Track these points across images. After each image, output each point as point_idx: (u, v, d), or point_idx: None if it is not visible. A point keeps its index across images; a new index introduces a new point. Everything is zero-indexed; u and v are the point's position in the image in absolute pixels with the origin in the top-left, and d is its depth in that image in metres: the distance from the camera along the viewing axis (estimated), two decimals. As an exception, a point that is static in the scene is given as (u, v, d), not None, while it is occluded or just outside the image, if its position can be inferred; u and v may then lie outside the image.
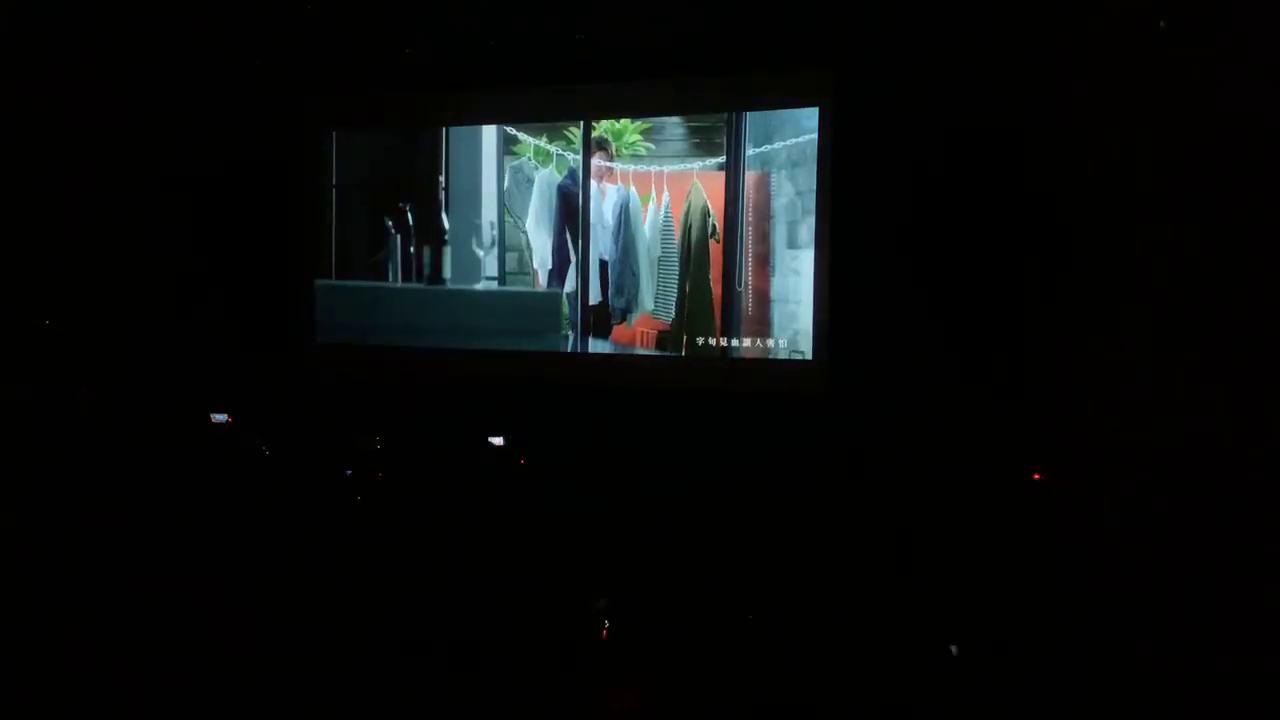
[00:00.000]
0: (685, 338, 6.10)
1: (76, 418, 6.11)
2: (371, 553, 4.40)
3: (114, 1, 5.98)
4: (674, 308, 6.12)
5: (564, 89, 6.34)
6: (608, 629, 3.52)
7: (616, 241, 6.24)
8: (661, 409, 6.01)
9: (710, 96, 6.02)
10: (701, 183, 6.03)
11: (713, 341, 6.04)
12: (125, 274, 6.58)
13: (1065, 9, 4.82)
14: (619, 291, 6.24)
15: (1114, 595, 3.67)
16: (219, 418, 6.13)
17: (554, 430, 6.01)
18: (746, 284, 5.95)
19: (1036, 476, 4.87)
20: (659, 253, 6.15)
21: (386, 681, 3.22)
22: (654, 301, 6.17)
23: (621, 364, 6.31)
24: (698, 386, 6.03)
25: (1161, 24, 4.02)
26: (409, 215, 6.72)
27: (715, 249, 6.02)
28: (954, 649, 3.35)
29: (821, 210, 5.70)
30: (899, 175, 5.43)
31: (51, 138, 6.29)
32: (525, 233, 6.47)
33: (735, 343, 5.98)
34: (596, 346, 6.34)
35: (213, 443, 6.00)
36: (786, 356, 5.86)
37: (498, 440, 5.99)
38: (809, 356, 5.80)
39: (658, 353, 6.18)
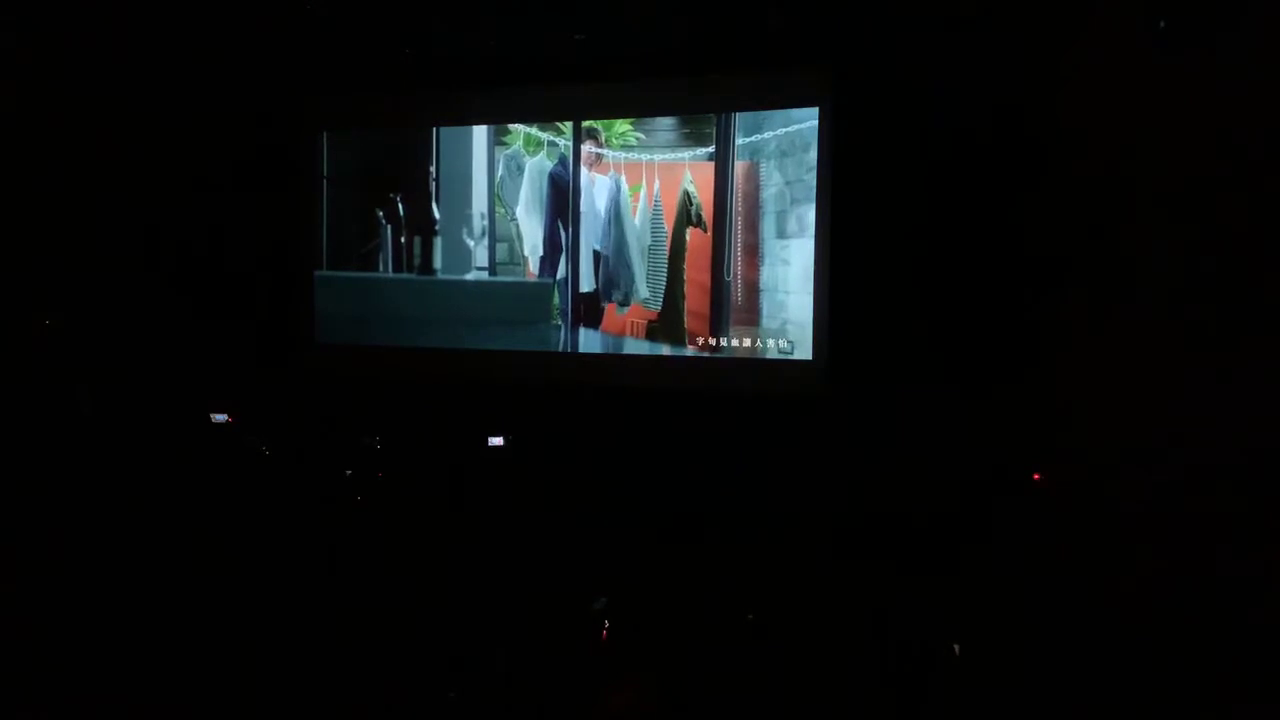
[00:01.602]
0: (672, 326, 6.11)
1: (76, 418, 6.11)
2: (372, 553, 4.41)
3: (115, 2, 5.97)
4: (662, 296, 6.15)
5: (564, 89, 6.34)
6: (608, 629, 3.53)
7: (609, 230, 6.25)
8: (661, 409, 6.01)
9: (710, 96, 6.03)
10: (691, 172, 6.04)
11: (696, 330, 6.05)
12: (125, 274, 6.57)
13: (1065, 10, 4.82)
14: (613, 280, 6.25)
15: (1114, 595, 3.67)
16: (219, 418, 6.13)
17: (554, 430, 6.01)
18: (736, 274, 5.97)
19: (1036, 477, 4.87)
20: (649, 241, 6.17)
21: (386, 681, 3.22)
22: (646, 289, 6.18)
23: (621, 363, 6.31)
24: (698, 386, 6.03)
25: (1161, 24, 4.01)
26: (400, 206, 6.73)
27: (698, 236, 6.04)
28: (955, 649, 3.36)
29: (821, 211, 5.71)
30: (898, 176, 5.43)
31: (51, 138, 6.28)
32: (515, 221, 6.48)
33: (726, 333, 5.99)
34: (586, 335, 6.36)
35: (213, 443, 6.00)
36: (775, 345, 5.87)
37: (497, 440, 6.00)
38: (797, 345, 5.82)
39: (656, 351, 6.18)
